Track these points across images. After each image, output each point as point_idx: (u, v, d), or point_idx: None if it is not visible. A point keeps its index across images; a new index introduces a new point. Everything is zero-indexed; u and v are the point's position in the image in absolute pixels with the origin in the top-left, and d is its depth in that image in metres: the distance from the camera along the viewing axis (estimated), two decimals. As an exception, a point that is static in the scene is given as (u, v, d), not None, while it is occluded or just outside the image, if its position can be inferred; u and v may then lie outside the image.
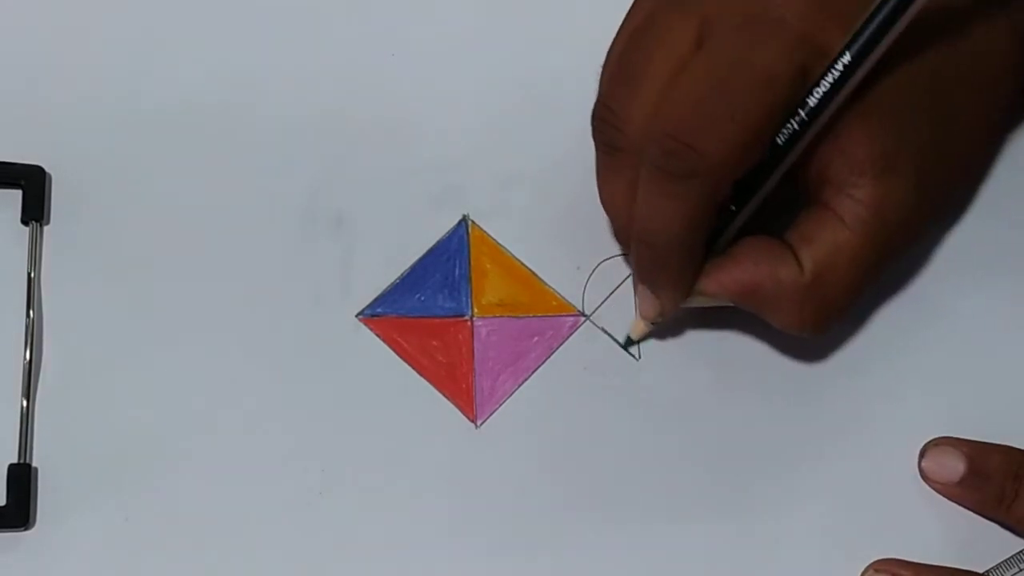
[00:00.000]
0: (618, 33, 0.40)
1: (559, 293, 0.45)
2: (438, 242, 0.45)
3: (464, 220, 0.46)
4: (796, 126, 0.37)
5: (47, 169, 0.45)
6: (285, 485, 0.42)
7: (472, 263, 0.45)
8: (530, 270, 0.45)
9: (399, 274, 0.45)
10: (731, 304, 0.41)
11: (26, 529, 0.41)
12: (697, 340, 0.45)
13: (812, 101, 0.37)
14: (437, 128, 0.46)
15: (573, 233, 0.46)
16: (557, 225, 0.46)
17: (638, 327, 0.44)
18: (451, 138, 0.46)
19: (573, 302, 0.45)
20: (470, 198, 0.46)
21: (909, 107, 0.39)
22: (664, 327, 0.44)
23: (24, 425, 0.42)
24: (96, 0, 0.47)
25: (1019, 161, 0.47)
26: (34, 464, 0.42)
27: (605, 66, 0.40)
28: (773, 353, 0.45)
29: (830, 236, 0.39)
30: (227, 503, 0.42)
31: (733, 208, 0.40)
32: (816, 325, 0.40)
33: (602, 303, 0.45)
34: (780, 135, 0.38)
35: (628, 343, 0.45)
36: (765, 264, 0.39)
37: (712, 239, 0.40)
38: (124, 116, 0.46)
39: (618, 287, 0.45)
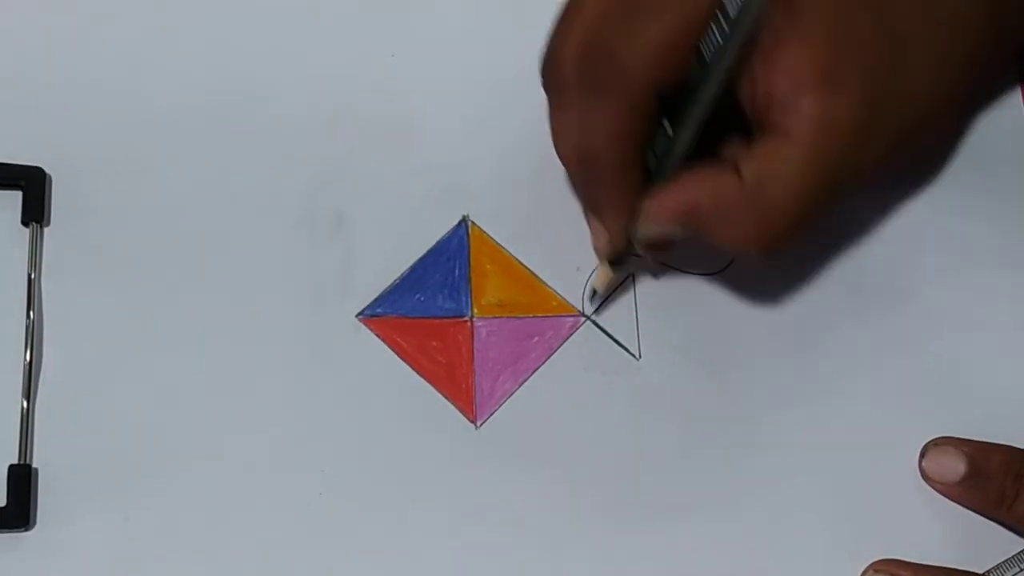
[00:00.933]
0: None
1: (559, 293, 0.45)
2: (438, 242, 0.45)
3: (464, 220, 0.46)
4: (719, 38, 0.36)
5: (47, 170, 0.45)
6: (285, 485, 0.42)
7: (472, 263, 0.45)
8: (530, 270, 0.45)
9: (399, 274, 0.45)
10: (679, 235, 0.40)
11: (26, 530, 0.41)
12: (697, 340, 0.45)
13: (732, 11, 0.36)
14: (437, 128, 0.46)
15: (573, 233, 0.45)
16: (557, 225, 0.46)
17: (601, 276, 0.44)
18: (451, 138, 0.46)
19: (573, 302, 0.45)
20: (470, 198, 0.46)
21: (850, 23, 0.38)
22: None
23: (24, 426, 0.42)
24: (96, 1, 0.47)
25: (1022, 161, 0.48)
26: (34, 465, 0.42)
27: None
28: (774, 353, 0.45)
29: (772, 149, 0.38)
30: (227, 503, 0.42)
31: (671, 134, 0.39)
32: (760, 239, 0.39)
33: (602, 303, 0.45)
34: (706, 49, 0.37)
35: (593, 296, 0.45)
36: (705, 181, 0.39)
37: (658, 170, 0.40)
38: (124, 117, 0.46)
39: (618, 287, 0.45)
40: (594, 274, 0.45)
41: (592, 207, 0.42)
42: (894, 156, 0.40)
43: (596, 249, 0.43)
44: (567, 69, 0.39)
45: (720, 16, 0.36)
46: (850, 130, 0.38)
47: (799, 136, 0.38)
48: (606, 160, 0.39)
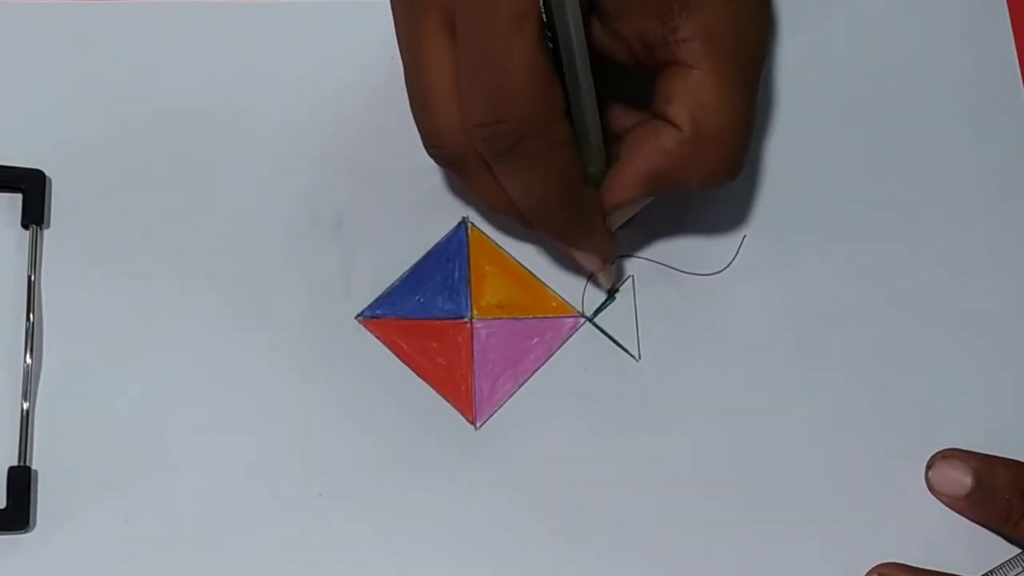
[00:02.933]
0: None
1: (558, 294, 0.45)
2: (437, 244, 0.45)
3: (464, 222, 0.46)
4: (549, 33, 0.36)
5: (47, 173, 0.45)
6: (285, 486, 0.42)
7: (472, 265, 0.45)
8: (529, 272, 0.45)
9: (399, 276, 0.45)
10: (651, 198, 0.41)
11: (26, 532, 0.41)
12: (697, 340, 0.45)
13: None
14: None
15: (572, 234, 0.46)
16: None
17: (606, 276, 0.44)
18: (451, 140, 0.46)
19: (573, 303, 0.45)
20: (470, 200, 0.46)
21: None
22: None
23: (24, 428, 0.42)
24: (96, 4, 0.47)
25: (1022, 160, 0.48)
26: (34, 467, 0.42)
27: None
28: (775, 355, 0.45)
29: (683, 83, 0.39)
30: (227, 505, 0.42)
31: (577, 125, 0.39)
32: (726, 169, 0.40)
33: (602, 304, 0.45)
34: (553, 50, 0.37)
35: (612, 292, 0.45)
36: (647, 146, 0.40)
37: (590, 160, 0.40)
38: (124, 120, 0.46)
39: (618, 288, 0.45)
40: (602, 277, 0.45)
41: (573, 246, 0.42)
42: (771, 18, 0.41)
43: (592, 268, 0.44)
44: (456, 144, 0.39)
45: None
46: (732, 25, 0.39)
47: (696, 59, 0.39)
48: (564, 201, 0.39)
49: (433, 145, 0.39)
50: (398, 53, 0.40)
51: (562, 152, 0.38)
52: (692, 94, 0.39)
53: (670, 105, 0.39)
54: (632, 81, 0.41)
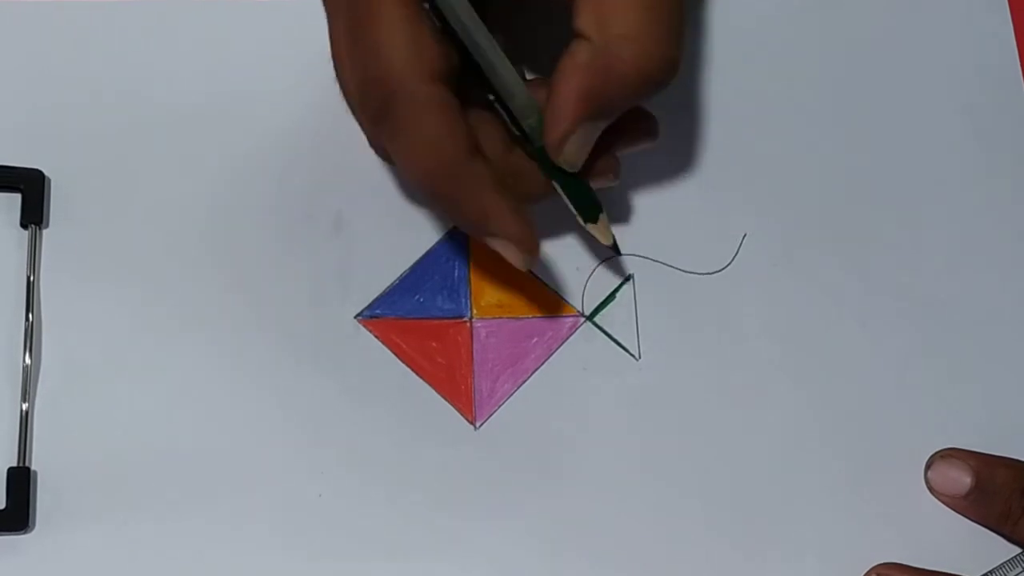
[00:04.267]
0: None
1: (558, 294, 0.45)
2: (437, 243, 0.45)
3: (463, 221, 0.46)
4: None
5: (46, 173, 0.45)
6: (284, 487, 0.42)
7: (471, 264, 0.45)
8: (529, 271, 0.45)
9: (398, 275, 0.45)
10: (601, 127, 0.39)
11: (25, 532, 0.41)
12: (697, 340, 0.45)
13: None
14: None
15: (572, 234, 0.45)
16: (556, 226, 0.45)
17: (601, 231, 0.43)
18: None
19: (573, 303, 0.45)
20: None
21: None
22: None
23: (23, 428, 0.42)
24: (95, 4, 0.47)
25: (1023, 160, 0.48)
26: (33, 467, 0.42)
27: None
28: (775, 355, 0.45)
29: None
30: (226, 505, 0.42)
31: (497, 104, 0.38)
32: (655, 65, 0.37)
33: (602, 304, 0.45)
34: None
35: (615, 248, 0.45)
36: (567, 69, 0.37)
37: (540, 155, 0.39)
38: (123, 120, 0.46)
39: (618, 288, 0.45)
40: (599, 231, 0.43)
41: (470, 228, 0.40)
42: None
43: (514, 262, 0.39)
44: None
45: None
46: None
47: None
48: (432, 168, 0.37)
49: (347, 105, 0.39)
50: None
51: (434, 117, 0.36)
52: (595, 5, 0.37)
53: (577, 19, 0.37)
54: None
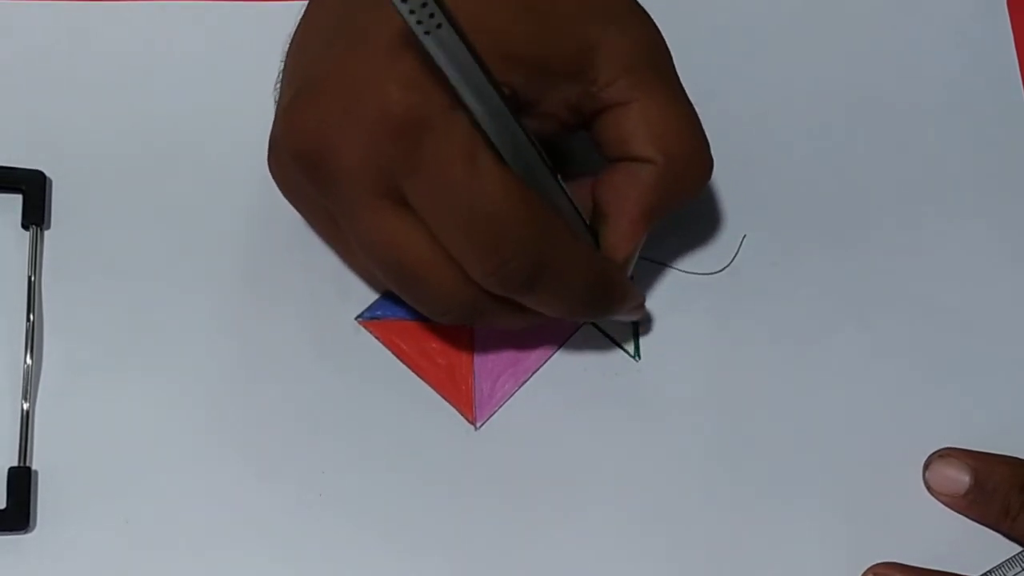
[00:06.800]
0: None
1: (559, 294, 0.45)
2: (437, 244, 0.45)
3: (463, 222, 0.46)
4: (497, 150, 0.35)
5: (48, 174, 0.45)
6: (285, 487, 0.42)
7: (472, 265, 0.45)
8: (530, 272, 0.45)
9: (398, 276, 0.45)
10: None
11: (26, 532, 0.41)
12: (697, 340, 0.45)
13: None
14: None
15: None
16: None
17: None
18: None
19: (573, 303, 0.45)
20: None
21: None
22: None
23: (24, 428, 0.42)
24: (96, 4, 0.47)
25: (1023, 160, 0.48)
26: (34, 467, 0.42)
27: None
28: (774, 354, 0.45)
29: (630, 120, 0.39)
30: (227, 505, 0.42)
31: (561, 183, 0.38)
32: (703, 174, 0.40)
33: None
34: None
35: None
36: (630, 191, 0.39)
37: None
38: (124, 120, 0.46)
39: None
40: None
41: (614, 316, 0.42)
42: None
43: (638, 317, 0.44)
44: (468, 301, 0.37)
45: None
46: (637, 45, 0.39)
47: (628, 93, 0.38)
48: (591, 298, 0.39)
49: (444, 313, 0.38)
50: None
51: (581, 256, 0.38)
52: (645, 125, 0.39)
53: (631, 144, 0.39)
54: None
